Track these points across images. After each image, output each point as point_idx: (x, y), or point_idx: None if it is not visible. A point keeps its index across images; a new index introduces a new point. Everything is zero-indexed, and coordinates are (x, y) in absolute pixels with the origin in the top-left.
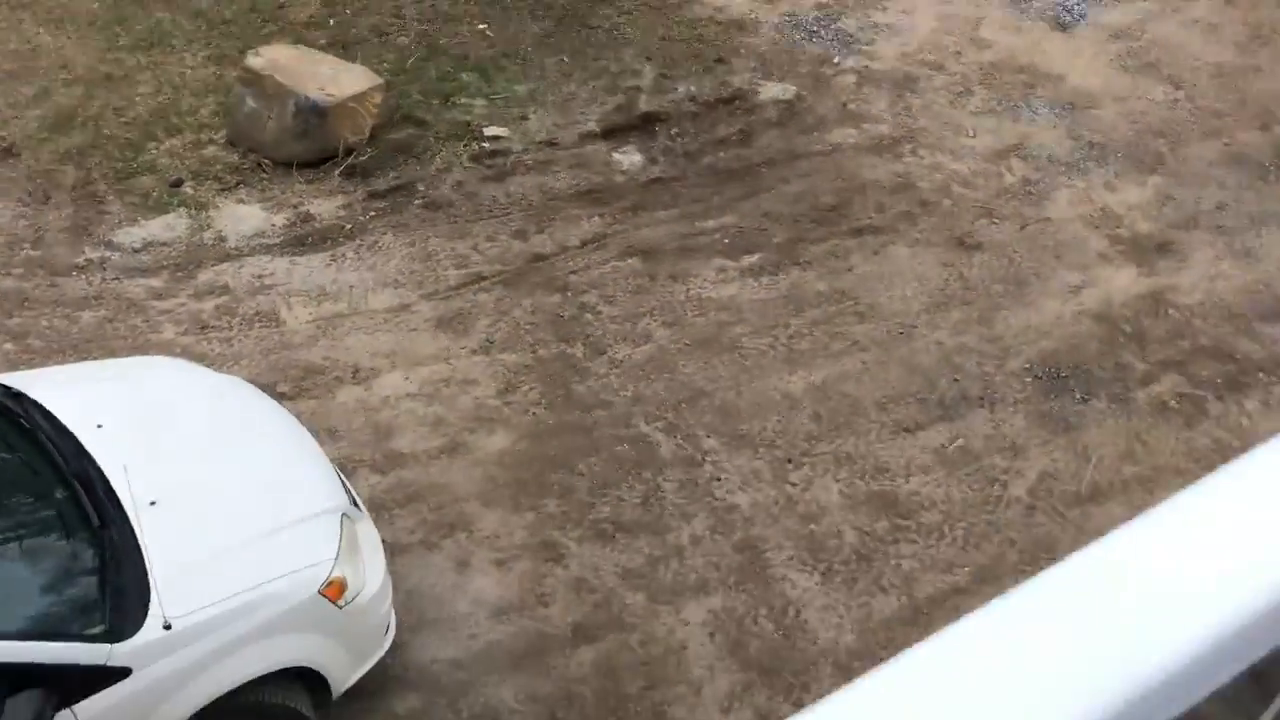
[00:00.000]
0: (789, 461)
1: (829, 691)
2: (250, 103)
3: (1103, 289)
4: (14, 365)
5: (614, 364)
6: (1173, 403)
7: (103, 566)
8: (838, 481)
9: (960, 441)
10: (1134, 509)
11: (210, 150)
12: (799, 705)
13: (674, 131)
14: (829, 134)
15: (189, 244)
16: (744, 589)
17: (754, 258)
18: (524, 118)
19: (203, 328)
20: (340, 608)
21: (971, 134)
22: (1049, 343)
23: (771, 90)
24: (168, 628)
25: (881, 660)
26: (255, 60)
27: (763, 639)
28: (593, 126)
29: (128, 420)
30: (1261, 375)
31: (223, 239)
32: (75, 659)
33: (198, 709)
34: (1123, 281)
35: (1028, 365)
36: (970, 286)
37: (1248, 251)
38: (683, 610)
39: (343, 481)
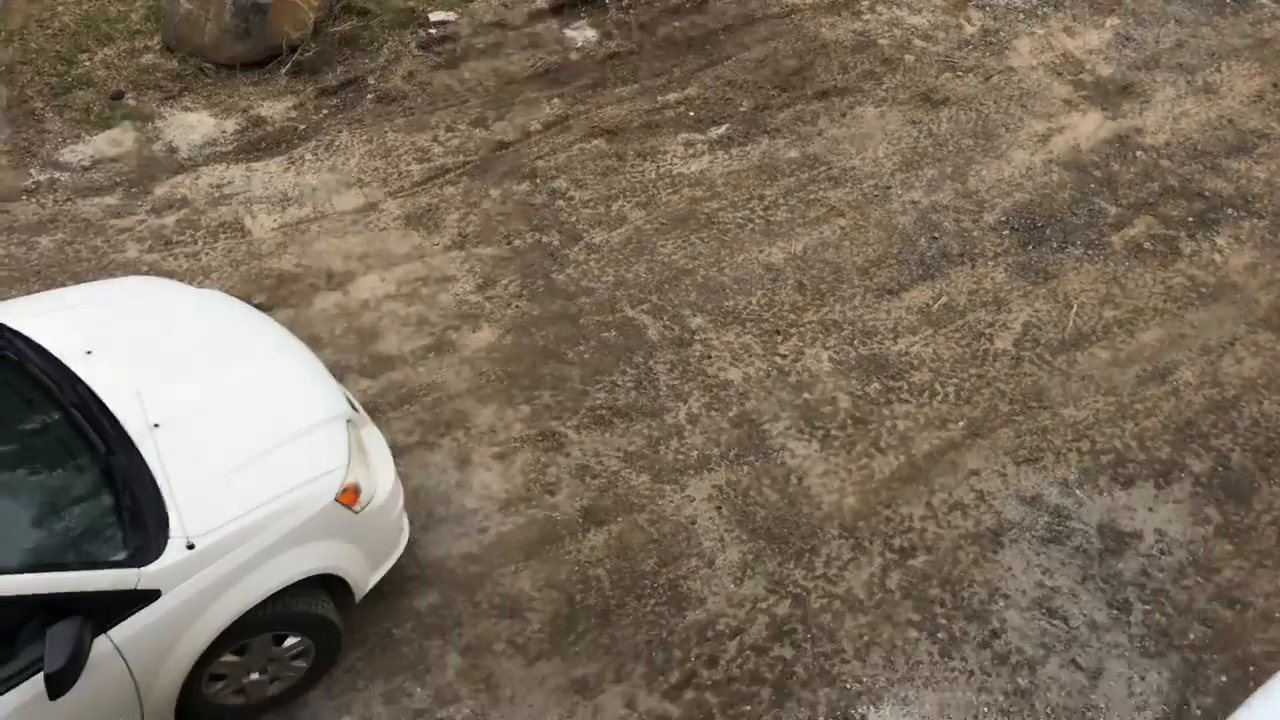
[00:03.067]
0: (777, 333)
1: (837, 554)
2: (184, 4)
3: (1070, 136)
4: None
5: (591, 249)
6: (1147, 244)
7: (117, 493)
8: (827, 349)
9: (944, 299)
10: (1116, 351)
11: (147, 58)
12: (810, 569)
13: (625, 3)
14: None
15: (139, 158)
16: (745, 461)
17: (721, 129)
18: (469, 0)
19: (167, 243)
20: (356, 513)
21: None
22: (1022, 194)
23: None
24: (191, 547)
25: (886, 520)
26: None
27: (768, 508)
28: (541, 4)
29: (116, 344)
30: (1231, 211)
31: (174, 150)
32: (106, 585)
33: (229, 623)
34: (1089, 127)
35: (1004, 218)
36: (940, 143)
37: (1209, 88)
38: (687, 487)
39: (341, 387)
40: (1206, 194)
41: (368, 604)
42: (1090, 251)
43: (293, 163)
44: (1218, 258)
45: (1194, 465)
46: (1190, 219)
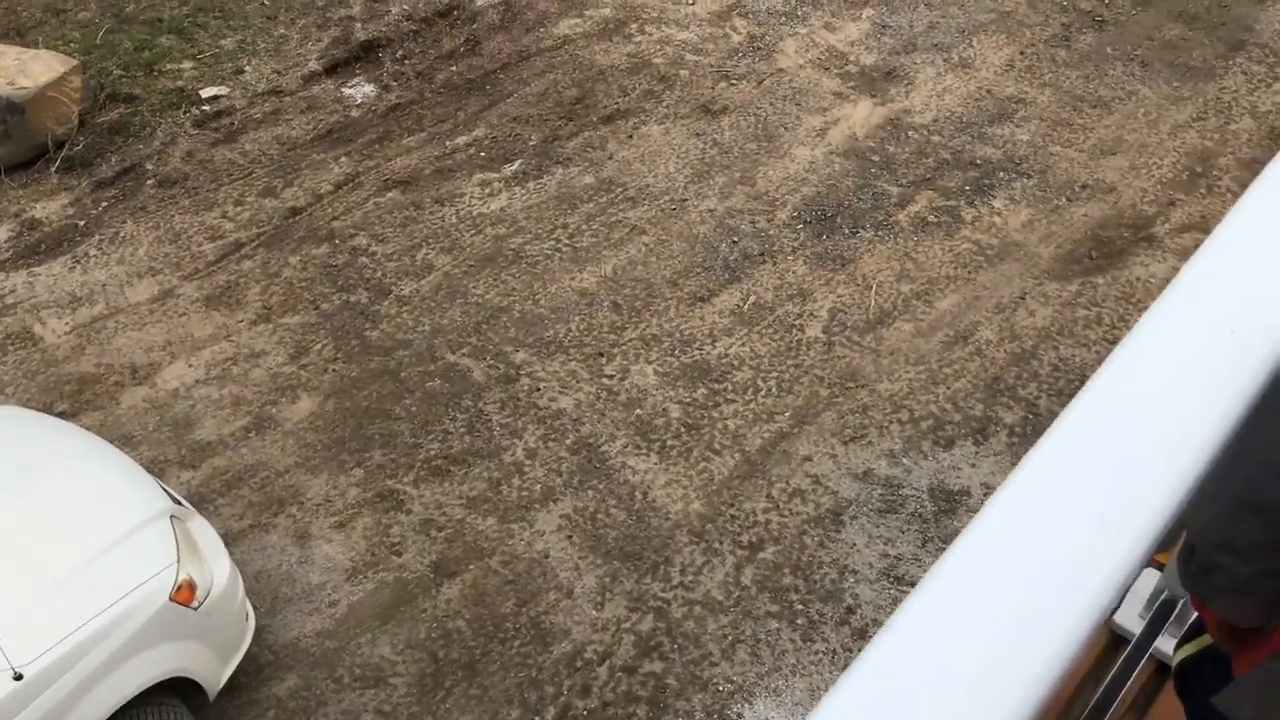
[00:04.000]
0: (600, 355)
1: (691, 561)
2: None
3: (845, 126)
4: None
5: (402, 301)
6: (931, 218)
7: None
8: (650, 363)
9: (753, 298)
10: (919, 322)
11: None
12: (667, 580)
13: (399, 54)
14: (555, 27)
15: None
16: (589, 486)
17: (514, 165)
18: (239, 71)
19: None
20: (195, 609)
21: (690, 1)
22: (809, 188)
23: None
24: (19, 678)
25: (732, 519)
26: None
27: (617, 528)
28: (314, 66)
29: None
30: (1002, 174)
31: None
32: None
33: None
34: (861, 115)
35: (795, 213)
36: (726, 150)
37: (965, 63)
38: (535, 523)
39: (158, 483)
40: (978, 162)
41: (224, 700)
42: (880, 232)
43: (77, 261)
44: (997, 220)
45: (1006, 417)
46: (967, 188)
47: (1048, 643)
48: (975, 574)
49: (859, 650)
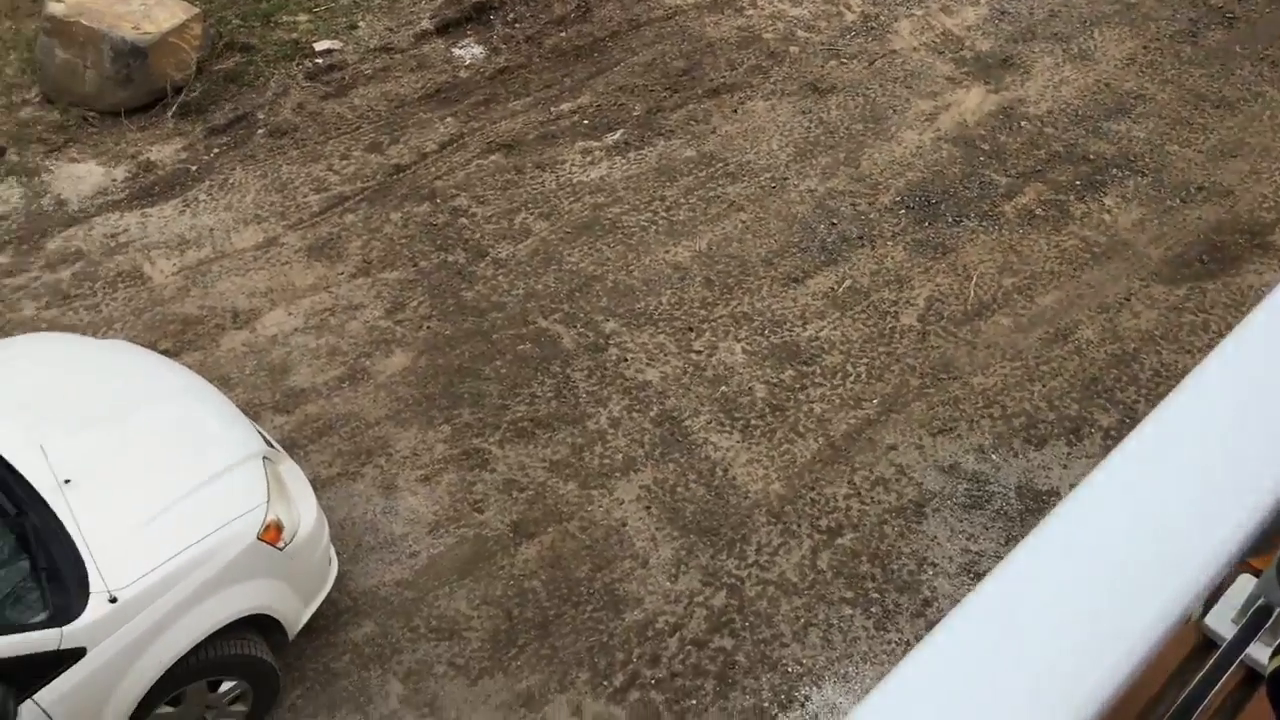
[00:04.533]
0: (690, 330)
1: (767, 541)
2: (60, 53)
3: (956, 112)
4: None
5: (498, 264)
6: (1038, 211)
7: (31, 554)
8: (739, 341)
9: (848, 282)
10: (1018, 317)
11: (27, 111)
12: (742, 558)
13: (510, 17)
14: None
15: (28, 214)
16: (670, 459)
17: (617, 134)
18: (353, 26)
19: (65, 298)
20: (281, 549)
21: None
22: (914, 173)
23: None
24: (114, 601)
25: (811, 502)
26: (56, 6)
27: (696, 503)
28: (426, 24)
29: (20, 404)
30: (1115, 171)
31: (63, 203)
32: (28, 648)
33: (160, 674)
34: (973, 101)
35: (898, 198)
36: (831, 130)
37: (1084, 54)
38: (615, 491)
39: (254, 425)
40: (1091, 157)
41: (303, 641)
42: (985, 223)
43: (188, 205)
44: (1107, 217)
45: (1102, 420)
46: (1078, 182)
47: (1124, 638)
48: (1054, 563)
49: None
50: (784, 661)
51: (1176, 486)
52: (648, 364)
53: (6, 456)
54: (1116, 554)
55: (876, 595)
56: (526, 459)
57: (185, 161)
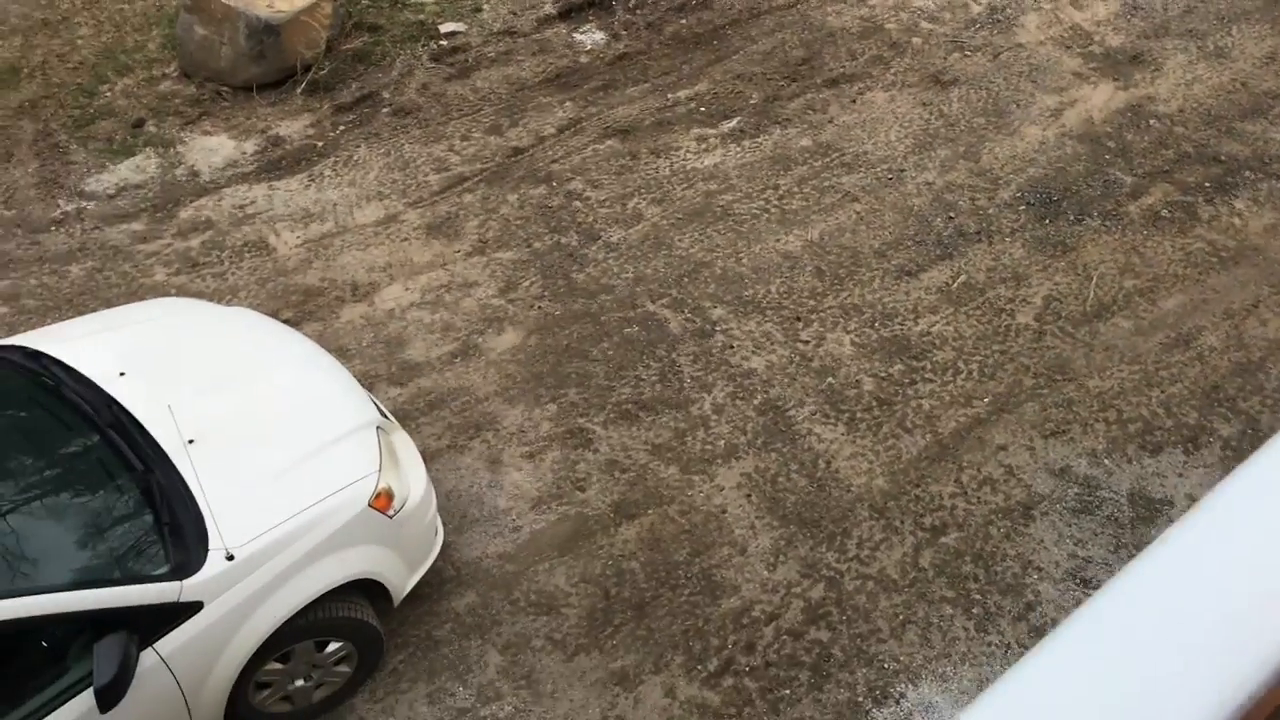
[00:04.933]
0: (798, 320)
1: (869, 535)
2: (199, 30)
3: (1082, 108)
4: (11, 329)
5: (610, 247)
6: (1164, 212)
7: (156, 509)
8: (848, 333)
9: (963, 277)
10: (1139, 320)
11: (166, 85)
12: (842, 551)
13: (632, 3)
14: None
15: (163, 183)
16: (772, 448)
17: (732, 122)
18: (478, 9)
19: (193, 265)
20: (390, 517)
21: None
22: (1036, 169)
23: None
24: (230, 558)
25: (916, 499)
26: None
27: (797, 493)
28: (549, 9)
29: (148, 365)
30: (1248, 174)
31: (196, 174)
32: (150, 599)
33: (271, 631)
34: (1101, 98)
35: (1019, 194)
36: (952, 123)
37: (1220, 52)
38: (716, 477)
39: (369, 395)
40: (1223, 158)
41: (407, 607)
42: (1108, 222)
43: (313, 179)
44: (1237, 221)
45: (1222, 429)
46: (1207, 184)
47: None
48: (1173, 576)
49: (1034, 646)
50: (880, 657)
51: None
52: (754, 352)
53: (136, 414)
54: (1239, 567)
55: (979, 596)
56: (629, 441)
57: (312, 138)
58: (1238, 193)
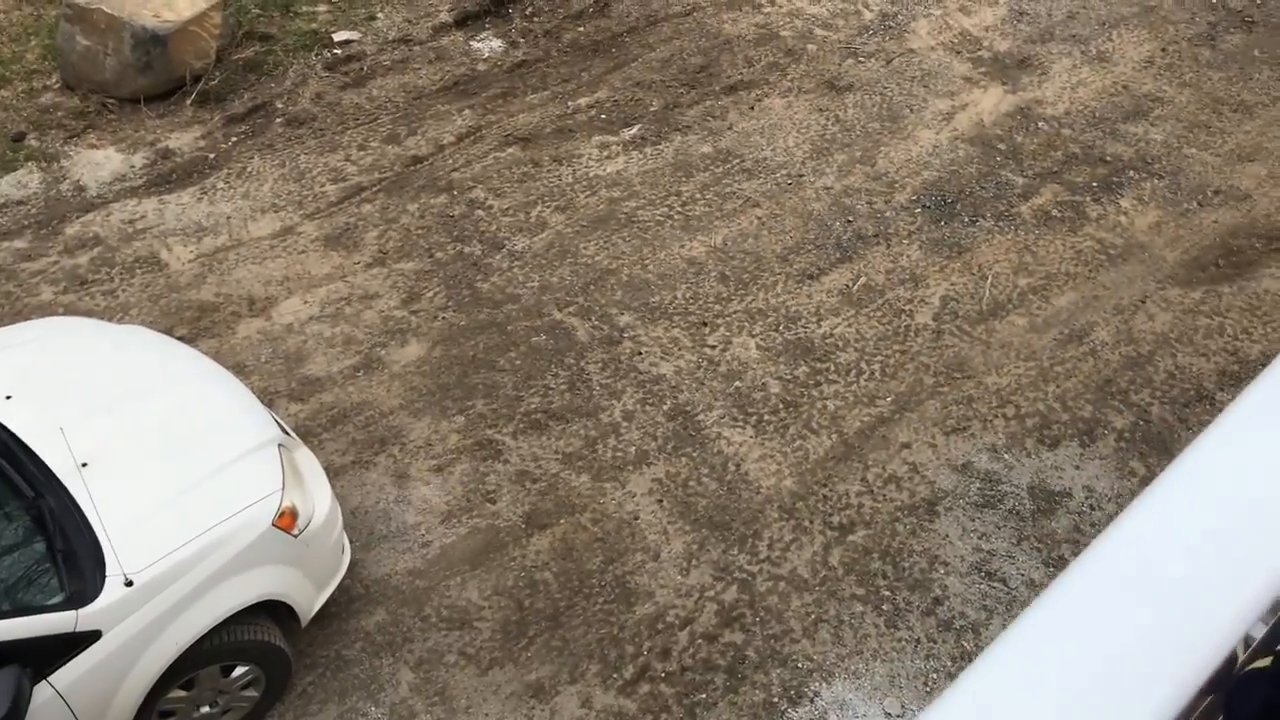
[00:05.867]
0: (704, 325)
1: (779, 536)
2: (81, 40)
3: (973, 111)
4: None
5: (514, 256)
6: (1055, 212)
7: (48, 536)
8: (754, 337)
9: (863, 280)
10: (1033, 317)
11: (47, 97)
12: (754, 553)
13: (529, 11)
14: None
15: (47, 199)
16: (682, 453)
17: (634, 129)
18: (372, 18)
19: (82, 283)
20: (295, 536)
21: None
22: (931, 172)
23: None
24: (129, 584)
25: (824, 499)
26: None
27: (708, 497)
28: (445, 17)
29: (36, 387)
30: (1132, 173)
31: (82, 188)
32: (44, 630)
33: (174, 658)
34: (990, 101)
35: (914, 197)
36: (848, 128)
37: (1102, 56)
38: (628, 484)
39: (269, 412)
40: (1108, 159)
41: (315, 627)
42: (1001, 223)
43: (205, 192)
44: (1124, 219)
45: (1116, 421)
46: (1095, 184)
47: (1174, 658)
48: (1111, 580)
49: (943, 640)
50: (794, 657)
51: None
52: (662, 358)
53: (25, 439)
54: (1170, 570)
55: (888, 593)
56: (540, 450)
57: (203, 149)
58: (1123, 192)
